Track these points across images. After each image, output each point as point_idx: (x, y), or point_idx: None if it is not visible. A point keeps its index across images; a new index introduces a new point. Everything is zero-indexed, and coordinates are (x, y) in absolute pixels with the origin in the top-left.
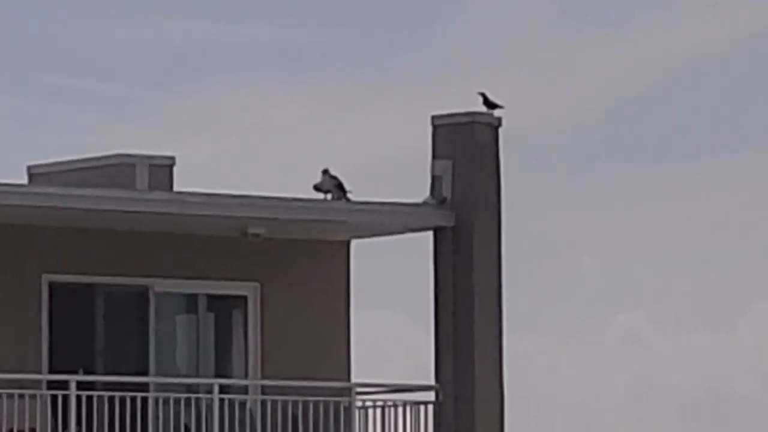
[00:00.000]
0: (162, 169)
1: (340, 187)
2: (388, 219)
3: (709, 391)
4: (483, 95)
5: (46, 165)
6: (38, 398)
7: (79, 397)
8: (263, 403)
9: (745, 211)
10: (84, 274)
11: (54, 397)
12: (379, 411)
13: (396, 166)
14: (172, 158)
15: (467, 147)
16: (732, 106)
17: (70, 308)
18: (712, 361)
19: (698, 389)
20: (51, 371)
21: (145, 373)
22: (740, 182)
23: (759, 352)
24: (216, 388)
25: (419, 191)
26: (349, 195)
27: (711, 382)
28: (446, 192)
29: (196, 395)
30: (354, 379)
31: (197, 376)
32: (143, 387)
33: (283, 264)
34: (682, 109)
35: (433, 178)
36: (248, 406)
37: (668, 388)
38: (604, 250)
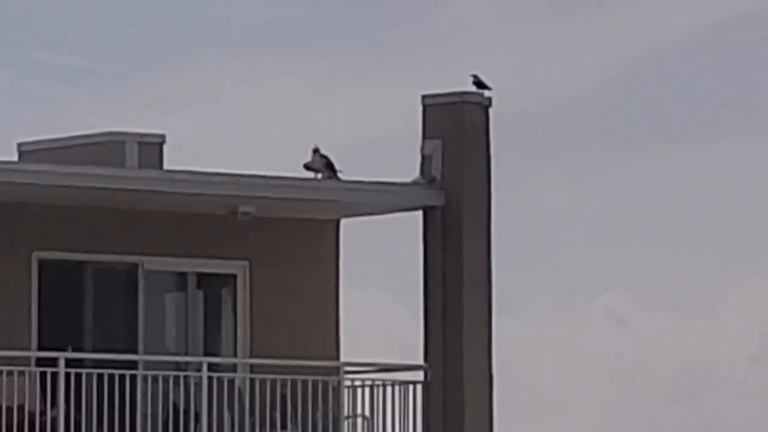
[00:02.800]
0: (152, 147)
1: (330, 166)
2: (378, 198)
3: (692, 372)
4: (475, 77)
5: (36, 142)
6: (27, 375)
7: (67, 375)
8: (252, 381)
9: (731, 192)
10: (74, 251)
11: (43, 374)
12: (367, 390)
13: (386, 146)
14: (162, 136)
15: (457, 127)
16: (723, 86)
17: (60, 285)
18: (694, 342)
19: (680, 370)
20: (40, 348)
21: (134, 351)
22: (728, 164)
23: (741, 333)
24: (205, 367)
25: (409, 171)
26: (339, 174)
27: (693, 362)
28: (436, 172)
29: (184, 373)
30: (342, 358)
31: (186, 354)
32: (132, 365)
33: (272, 243)
34: (672, 87)
35: (423, 157)
36: (237, 384)
37: (651, 369)
38: (590, 231)
